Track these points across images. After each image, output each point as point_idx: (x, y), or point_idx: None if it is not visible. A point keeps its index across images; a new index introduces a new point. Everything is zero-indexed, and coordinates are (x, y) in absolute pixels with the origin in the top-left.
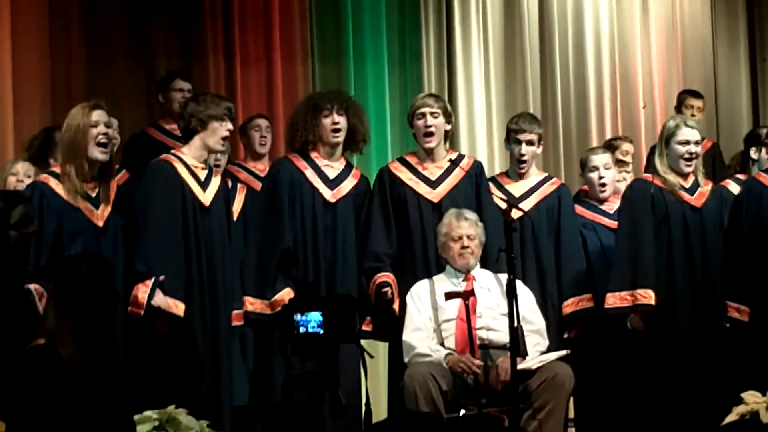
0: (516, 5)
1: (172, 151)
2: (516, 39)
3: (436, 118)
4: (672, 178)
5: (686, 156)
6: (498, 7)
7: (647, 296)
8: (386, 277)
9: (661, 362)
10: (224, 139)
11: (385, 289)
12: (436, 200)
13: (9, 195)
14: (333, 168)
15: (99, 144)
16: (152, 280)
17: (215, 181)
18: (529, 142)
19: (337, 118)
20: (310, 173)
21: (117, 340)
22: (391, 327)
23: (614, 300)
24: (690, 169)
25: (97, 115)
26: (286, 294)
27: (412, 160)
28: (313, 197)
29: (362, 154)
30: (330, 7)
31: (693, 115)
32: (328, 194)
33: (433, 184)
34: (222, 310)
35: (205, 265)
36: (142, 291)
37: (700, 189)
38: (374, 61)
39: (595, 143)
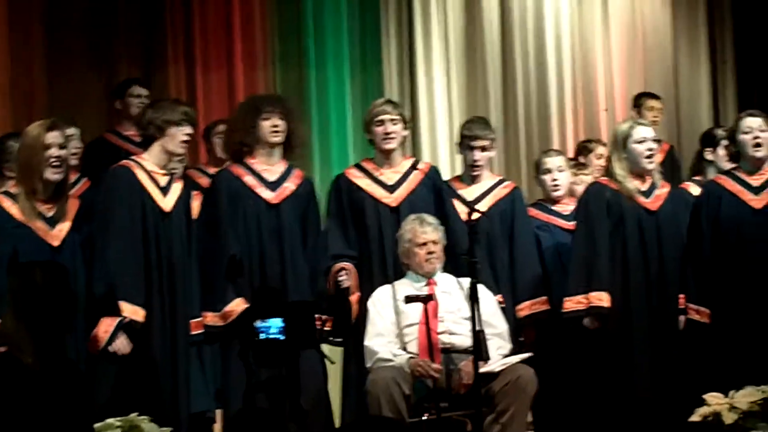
0: (477, 10)
1: (132, 157)
2: (477, 44)
3: (395, 124)
4: (629, 182)
5: (646, 153)
6: (459, 12)
7: (601, 299)
8: (343, 265)
9: (617, 365)
10: (184, 142)
11: (341, 274)
12: (394, 204)
13: None
14: (272, 171)
15: (52, 165)
16: (116, 321)
17: (176, 187)
18: (483, 148)
19: (277, 121)
20: (249, 179)
21: (77, 348)
22: (347, 323)
23: (570, 304)
24: (653, 166)
25: (52, 137)
26: (236, 305)
27: (368, 166)
28: (256, 201)
29: (296, 159)
30: (291, 13)
31: (655, 116)
32: (270, 196)
33: (391, 189)
34: (181, 316)
35: (165, 272)
36: (103, 331)
37: (656, 192)
38: (335, 66)
39: (556, 147)
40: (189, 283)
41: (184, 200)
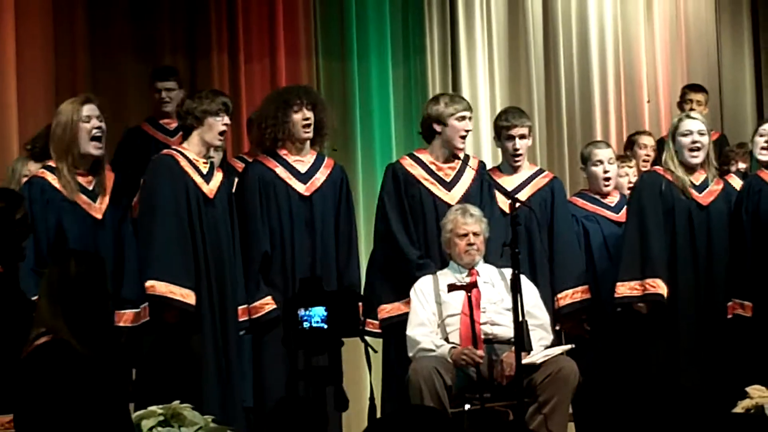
0: (520, 1)
1: (174, 147)
2: (520, 34)
3: (470, 120)
4: (681, 174)
5: (691, 146)
6: (502, 2)
7: (656, 286)
8: None
9: (662, 354)
10: (221, 133)
11: None
12: (452, 202)
13: (11, 194)
14: (303, 162)
15: (93, 138)
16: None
17: (218, 175)
18: (522, 136)
19: (307, 113)
20: (280, 170)
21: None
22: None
23: (624, 289)
24: (697, 160)
25: (89, 110)
26: (266, 302)
27: (424, 157)
28: (288, 193)
29: (325, 148)
30: (334, 3)
31: (692, 109)
32: (302, 188)
33: (448, 186)
34: (230, 303)
35: (211, 257)
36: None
37: (709, 187)
38: (378, 56)
39: (599, 138)
40: (234, 270)
41: (225, 187)
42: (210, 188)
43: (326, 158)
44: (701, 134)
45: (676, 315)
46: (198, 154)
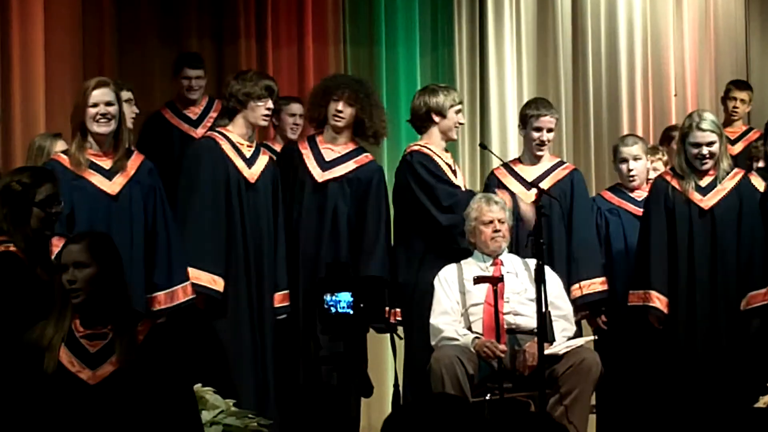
0: None
1: (218, 129)
2: (548, 25)
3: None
4: (686, 177)
5: (699, 157)
6: None
7: (654, 299)
8: None
9: (676, 361)
10: (266, 115)
11: None
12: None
13: (37, 171)
14: (333, 151)
15: (97, 120)
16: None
17: (263, 159)
18: (549, 129)
19: (341, 106)
20: (307, 153)
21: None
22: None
23: (633, 297)
24: (706, 167)
25: (96, 96)
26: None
27: (434, 149)
28: (304, 178)
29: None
30: None
31: (736, 107)
32: (318, 174)
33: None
34: (267, 289)
35: (251, 242)
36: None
37: (717, 188)
38: (406, 45)
39: (625, 131)
40: (274, 255)
41: (270, 171)
42: (252, 173)
43: (364, 154)
44: (709, 145)
45: (678, 327)
46: (242, 136)
